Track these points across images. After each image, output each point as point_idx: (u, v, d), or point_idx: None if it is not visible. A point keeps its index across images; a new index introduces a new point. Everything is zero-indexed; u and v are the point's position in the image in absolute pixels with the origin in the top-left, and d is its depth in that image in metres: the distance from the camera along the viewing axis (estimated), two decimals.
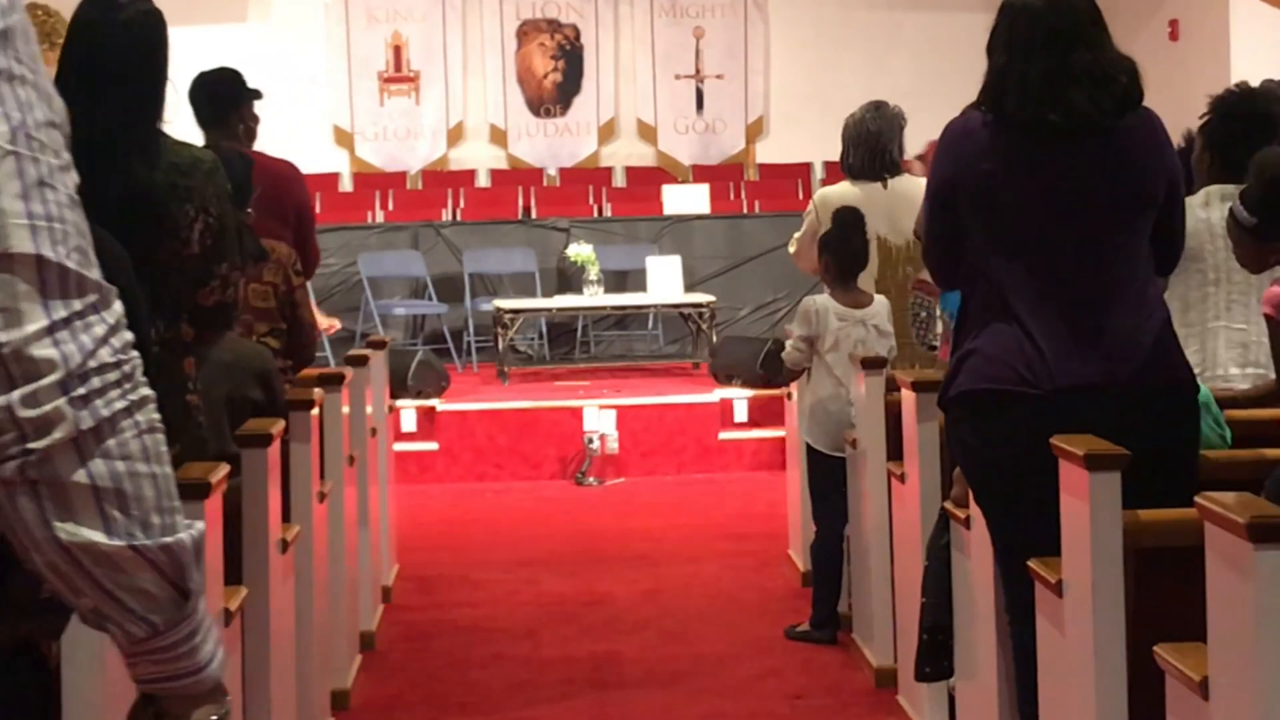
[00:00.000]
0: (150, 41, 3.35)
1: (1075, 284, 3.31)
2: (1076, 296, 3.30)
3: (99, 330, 1.43)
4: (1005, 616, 3.60)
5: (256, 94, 5.39)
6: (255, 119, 5.41)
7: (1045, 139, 3.31)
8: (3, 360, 1.37)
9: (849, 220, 5.56)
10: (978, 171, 3.34)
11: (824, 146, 11.87)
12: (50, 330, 1.39)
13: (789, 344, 5.76)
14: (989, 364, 3.31)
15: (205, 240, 3.34)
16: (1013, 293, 3.31)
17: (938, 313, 5.19)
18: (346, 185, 14.02)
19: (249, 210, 5.01)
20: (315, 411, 4.35)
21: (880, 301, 5.60)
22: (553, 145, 14.26)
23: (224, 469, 3.13)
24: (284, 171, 5.56)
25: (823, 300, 5.62)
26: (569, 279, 11.49)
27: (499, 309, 10.61)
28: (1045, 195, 3.32)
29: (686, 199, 12.80)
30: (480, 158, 14.25)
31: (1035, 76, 3.29)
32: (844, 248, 5.57)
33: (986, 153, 3.34)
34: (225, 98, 5.30)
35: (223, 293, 3.44)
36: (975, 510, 3.75)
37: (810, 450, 5.67)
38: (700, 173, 14.09)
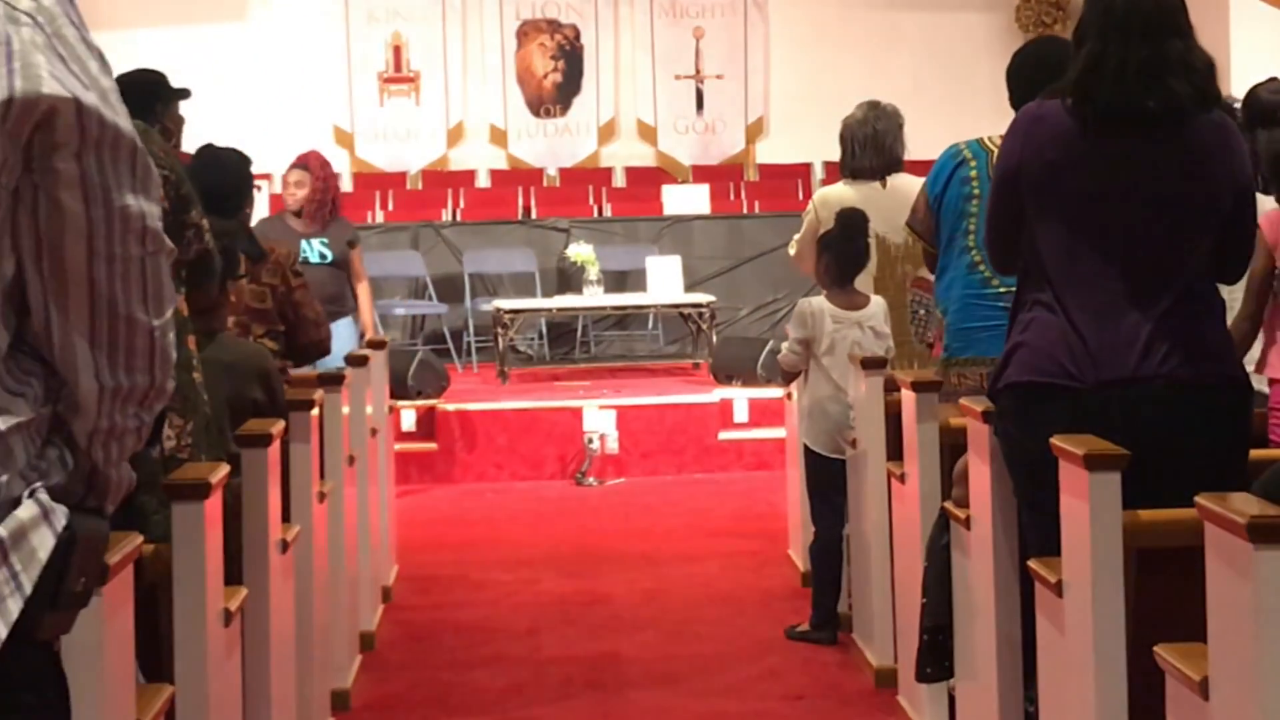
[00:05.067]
0: None
1: (1127, 278, 3.26)
2: (1127, 292, 3.25)
3: None
4: (1007, 616, 3.60)
5: (179, 94, 5.17)
6: (176, 120, 5.14)
7: (1123, 132, 3.26)
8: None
9: (853, 222, 5.54)
10: (1043, 160, 3.30)
11: (824, 146, 11.83)
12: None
13: (785, 346, 5.76)
14: (1035, 356, 3.29)
15: (169, 193, 3.37)
16: (1063, 285, 3.29)
17: (937, 311, 5.19)
18: (346, 185, 13.95)
19: (246, 211, 5.02)
20: (315, 412, 4.35)
21: (877, 302, 5.59)
22: (553, 145, 14.25)
23: (224, 469, 3.13)
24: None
25: (818, 302, 5.61)
26: (569, 279, 11.48)
27: (499, 309, 10.61)
28: (1109, 189, 3.27)
29: (686, 199, 12.80)
30: (480, 158, 14.24)
31: (1134, 63, 3.24)
32: (846, 249, 5.55)
33: (1056, 142, 3.30)
34: (136, 100, 5.11)
35: (200, 241, 3.45)
36: (976, 510, 3.75)
37: (808, 451, 5.67)
38: (700, 173, 14.08)
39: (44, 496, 1.69)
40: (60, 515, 1.70)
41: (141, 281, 1.75)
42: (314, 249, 7.33)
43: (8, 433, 1.67)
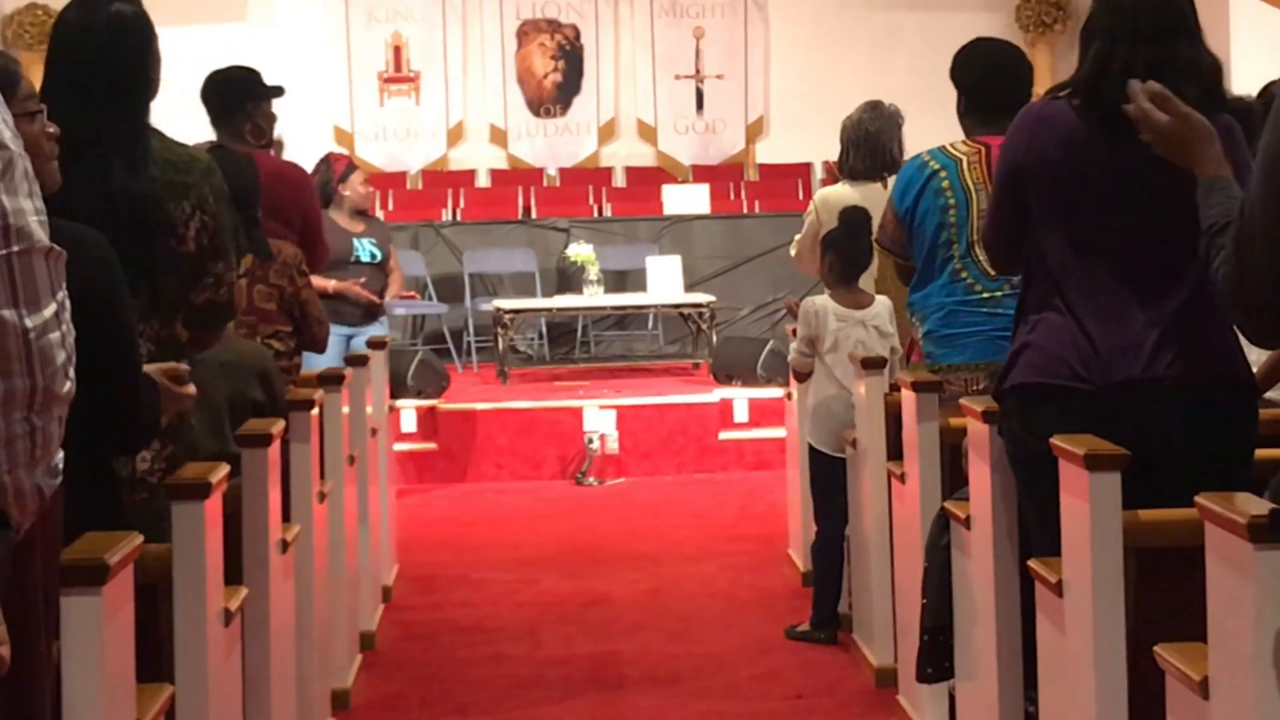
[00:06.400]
0: (131, 42, 3.33)
1: (1134, 280, 3.25)
2: (1134, 292, 3.25)
3: None
4: (1007, 616, 3.60)
5: (271, 92, 5.31)
6: (269, 118, 5.29)
7: (1129, 132, 3.19)
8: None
9: (857, 220, 5.54)
10: (1047, 160, 3.29)
11: (824, 146, 11.85)
12: None
13: (792, 347, 5.76)
14: (1042, 357, 3.28)
15: (201, 239, 3.34)
16: (1070, 285, 3.27)
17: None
18: None
19: (255, 213, 5.04)
20: (315, 411, 4.35)
21: (881, 302, 5.59)
22: (553, 145, 14.26)
23: (224, 469, 3.13)
24: (289, 174, 5.56)
25: (822, 301, 5.62)
26: (569, 279, 11.49)
27: (499, 309, 10.61)
28: (1114, 189, 3.26)
29: (686, 199, 12.80)
30: (480, 158, 14.25)
31: (1141, 64, 3.21)
32: (850, 247, 5.55)
33: (1060, 141, 3.28)
34: (228, 96, 5.26)
35: (214, 292, 3.41)
36: (976, 510, 3.75)
37: (812, 450, 5.67)
38: (700, 173, 14.09)
39: None
40: None
41: (9, 281, 1.67)
42: (365, 248, 7.48)
43: None
